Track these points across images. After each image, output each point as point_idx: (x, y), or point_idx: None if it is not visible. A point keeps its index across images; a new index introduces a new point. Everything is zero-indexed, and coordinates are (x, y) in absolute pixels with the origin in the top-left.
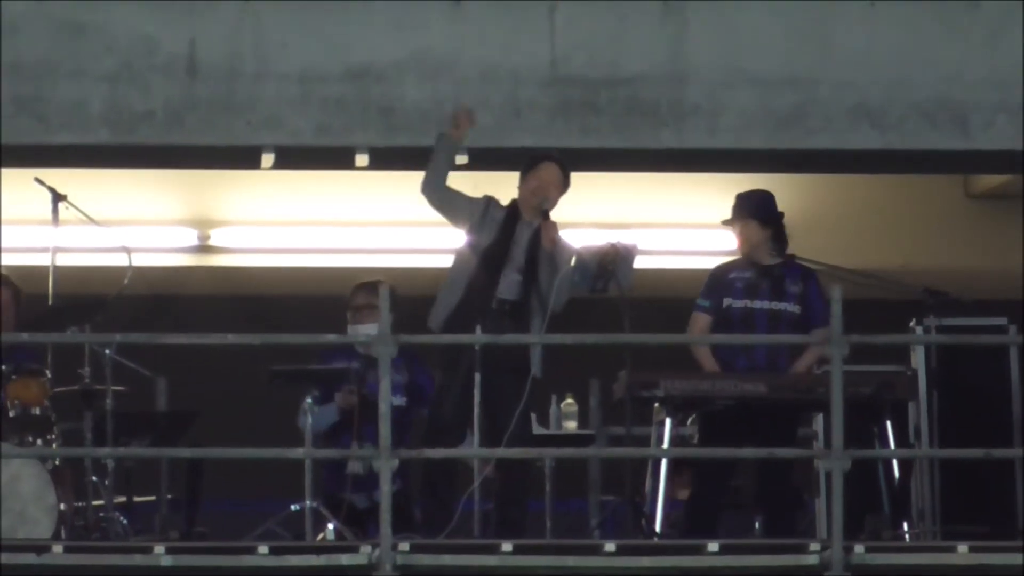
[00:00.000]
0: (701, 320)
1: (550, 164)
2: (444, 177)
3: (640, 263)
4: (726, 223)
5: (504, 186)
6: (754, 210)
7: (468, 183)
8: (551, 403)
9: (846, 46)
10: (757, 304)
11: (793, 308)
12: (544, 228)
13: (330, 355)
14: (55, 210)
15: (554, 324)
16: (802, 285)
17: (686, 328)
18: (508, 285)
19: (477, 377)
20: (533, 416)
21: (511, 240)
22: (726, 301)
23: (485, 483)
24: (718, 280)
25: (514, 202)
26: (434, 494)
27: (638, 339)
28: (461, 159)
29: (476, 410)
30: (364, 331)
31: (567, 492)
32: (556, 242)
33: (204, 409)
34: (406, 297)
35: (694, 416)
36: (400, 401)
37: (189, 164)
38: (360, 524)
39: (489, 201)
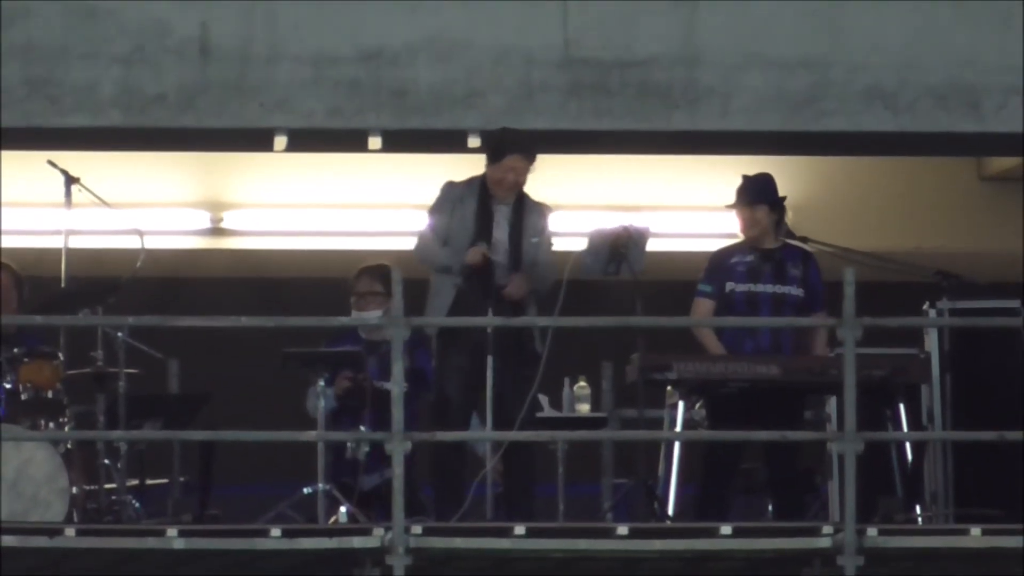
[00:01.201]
0: (704, 305)
1: (518, 157)
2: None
3: (652, 246)
4: (732, 207)
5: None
6: (765, 194)
7: (474, 167)
8: (563, 386)
9: (859, 28)
10: (761, 288)
11: (796, 291)
12: (512, 283)
13: (336, 340)
14: (68, 192)
15: (566, 307)
16: (803, 268)
17: (690, 314)
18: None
19: (490, 360)
20: (546, 399)
21: (491, 224)
22: (729, 285)
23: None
24: (719, 265)
25: (481, 182)
26: (444, 478)
27: (650, 322)
28: (473, 142)
29: (488, 394)
30: (368, 317)
31: (579, 475)
32: (521, 295)
33: (216, 392)
34: (416, 280)
35: (701, 401)
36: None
37: (201, 147)
38: (363, 507)
39: (450, 188)
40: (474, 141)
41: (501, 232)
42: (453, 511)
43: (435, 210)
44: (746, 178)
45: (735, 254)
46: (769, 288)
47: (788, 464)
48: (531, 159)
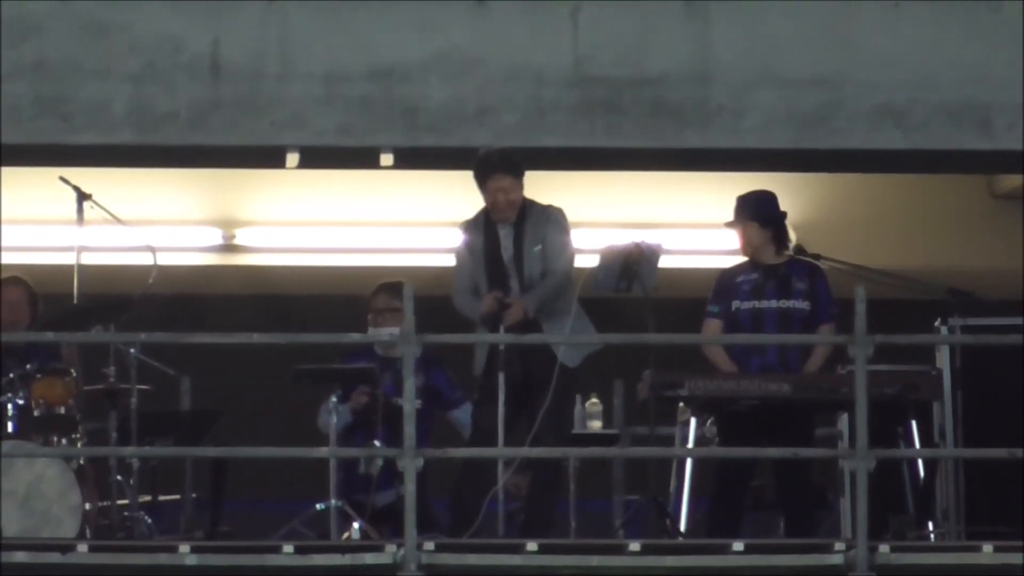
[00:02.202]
0: (712, 326)
1: (499, 177)
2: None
3: (664, 263)
4: (729, 225)
5: (527, 186)
6: (753, 212)
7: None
8: (576, 403)
9: (871, 46)
10: (764, 304)
11: (802, 305)
12: (509, 314)
13: (351, 356)
14: (80, 209)
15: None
16: (808, 282)
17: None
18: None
19: (500, 377)
20: None
21: (499, 251)
22: (734, 304)
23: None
24: (725, 284)
25: (485, 211)
26: (463, 497)
27: (662, 339)
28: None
29: (500, 409)
30: (381, 333)
31: (591, 492)
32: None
33: (228, 408)
34: (430, 297)
35: (712, 418)
36: (416, 404)
37: (213, 164)
38: (377, 524)
39: (464, 229)
40: None
41: (507, 254)
42: (467, 525)
43: (458, 256)
44: (739, 197)
45: (740, 273)
46: (773, 304)
47: (799, 481)
48: (516, 174)
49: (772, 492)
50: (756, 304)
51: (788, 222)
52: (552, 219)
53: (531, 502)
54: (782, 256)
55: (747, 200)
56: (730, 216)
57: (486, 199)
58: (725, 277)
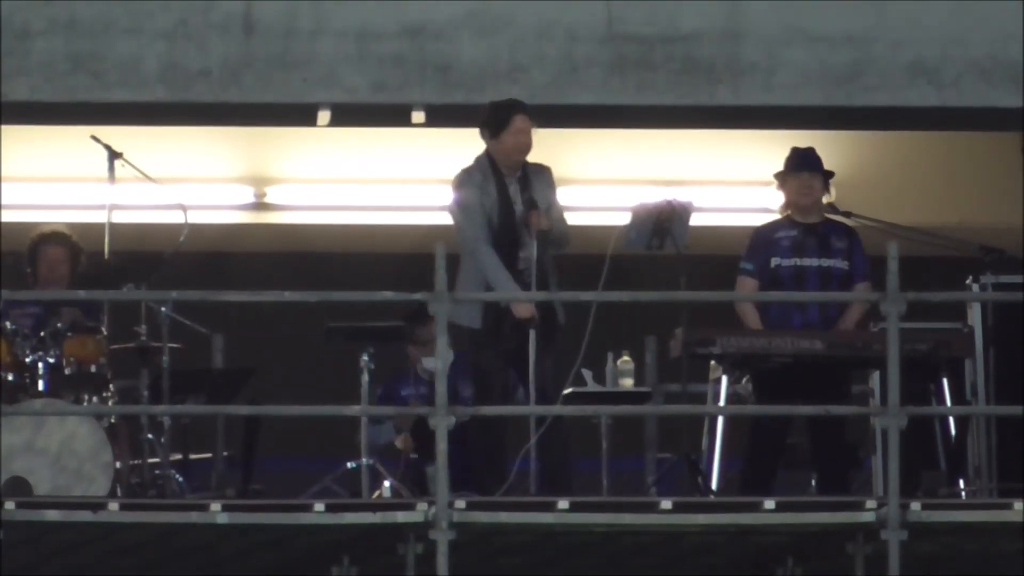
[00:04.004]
0: (747, 284)
1: (523, 116)
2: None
3: (696, 220)
4: (784, 175)
5: (559, 144)
6: (820, 164)
7: None
8: (607, 360)
9: (902, 3)
10: (807, 262)
11: (842, 264)
12: (532, 218)
13: (396, 383)
14: (111, 168)
15: (609, 282)
16: (847, 241)
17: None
18: (526, 253)
19: (532, 335)
20: (590, 374)
21: (510, 203)
22: (774, 261)
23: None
24: (763, 240)
25: (488, 160)
26: (487, 454)
27: (694, 296)
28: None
29: (532, 369)
30: (429, 364)
31: (623, 449)
32: (548, 225)
33: (260, 366)
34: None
35: (747, 376)
36: None
37: (245, 122)
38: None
39: (468, 175)
40: None
41: (519, 208)
42: (497, 486)
43: (472, 206)
44: (798, 148)
45: (779, 229)
46: (815, 262)
47: (834, 438)
48: (532, 117)
49: (805, 450)
50: (798, 261)
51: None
52: (551, 180)
53: (550, 460)
54: (820, 215)
55: (811, 152)
56: (763, 173)
57: (505, 143)
58: (762, 233)
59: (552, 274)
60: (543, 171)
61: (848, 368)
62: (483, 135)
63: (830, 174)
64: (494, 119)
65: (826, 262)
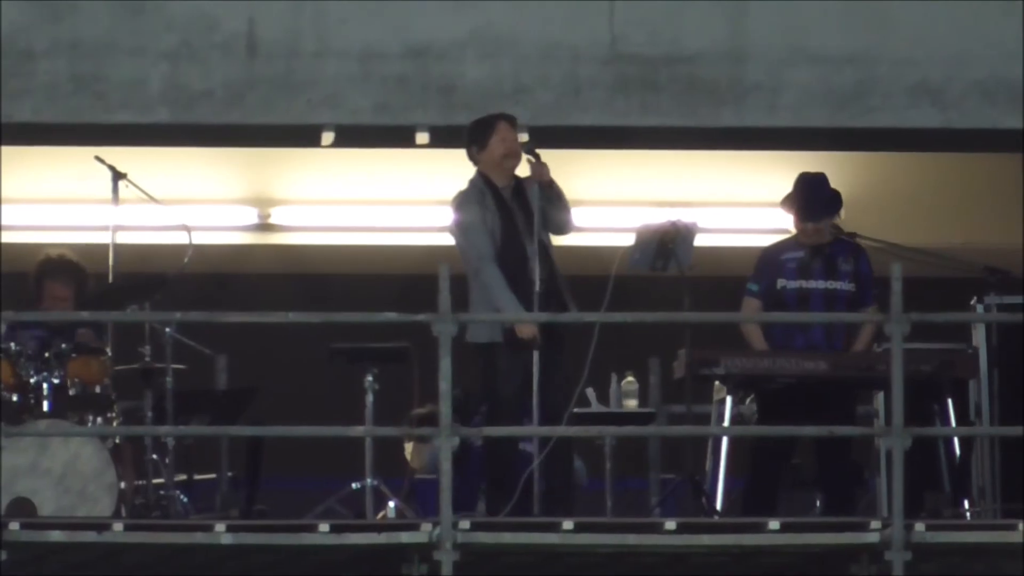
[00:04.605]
0: (751, 305)
1: (505, 123)
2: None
3: (700, 241)
4: (792, 212)
5: (562, 165)
6: (835, 207)
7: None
8: (611, 381)
9: (906, 23)
10: (811, 284)
11: (847, 287)
12: (534, 170)
13: None
14: (115, 188)
15: (613, 303)
16: (853, 262)
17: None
18: (534, 269)
19: (536, 355)
20: (593, 394)
21: (513, 216)
22: (780, 282)
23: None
24: (769, 262)
25: (482, 179)
26: (499, 475)
27: (698, 317)
28: (521, 138)
29: (535, 388)
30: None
31: (627, 470)
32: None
33: (264, 387)
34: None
35: (751, 396)
36: None
37: (249, 143)
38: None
39: (466, 196)
40: (522, 137)
41: (520, 221)
42: (505, 504)
43: (475, 226)
44: (810, 183)
45: (785, 250)
46: (820, 284)
47: (839, 459)
48: (514, 123)
49: (809, 470)
50: (803, 284)
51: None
52: (534, 182)
53: (551, 480)
54: (828, 236)
55: (824, 193)
56: (767, 194)
57: (495, 151)
58: (769, 254)
59: (566, 290)
60: (532, 182)
61: (853, 389)
62: (471, 155)
63: (838, 198)
64: (478, 132)
65: (832, 284)
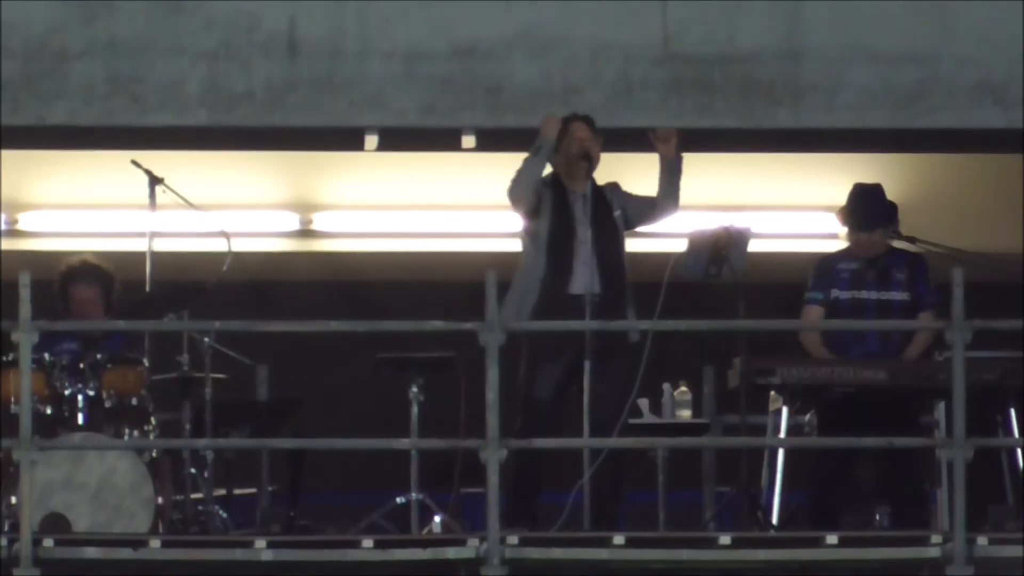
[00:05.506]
0: (814, 312)
1: (577, 123)
2: (533, 186)
3: (754, 246)
4: (848, 224)
5: (615, 168)
6: (889, 216)
7: None
8: (664, 391)
9: (967, 21)
10: (864, 294)
11: (902, 296)
12: (661, 137)
13: None
14: (152, 194)
15: (666, 310)
16: (908, 271)
17: (800, 317)
18: (583, 278)
19: (587, 365)
20: (646, 404)
21: (572, 222)
22: (834, 292)
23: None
24: (825, 271)
25: (555, 178)
26: (520, 486)
27: (753, 325)
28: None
29: (586, 399)
30: None
31: (681, 483)
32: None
33: (306, 398)
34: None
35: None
36: None
37: (290, 146)
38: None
39: (543, 185)
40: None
41: (583, 229)
42: (525, 520)
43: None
44: (865, 194)
45: (840, 260)
46: (874, 295)
47: (904, 471)
48: (591, 124)
49: (868, 483)
50: (856, 294)
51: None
52: (620, 189)
53: (599, 491)
54: (883, 246)
55: (879, 204)
56: (825, 198)
57: (566, 152)
58: (826, 263)
59: (630, 305)
60: (615, 187)
61: (913, 398)
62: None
63: (894, 210)
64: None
65: (885, 295)
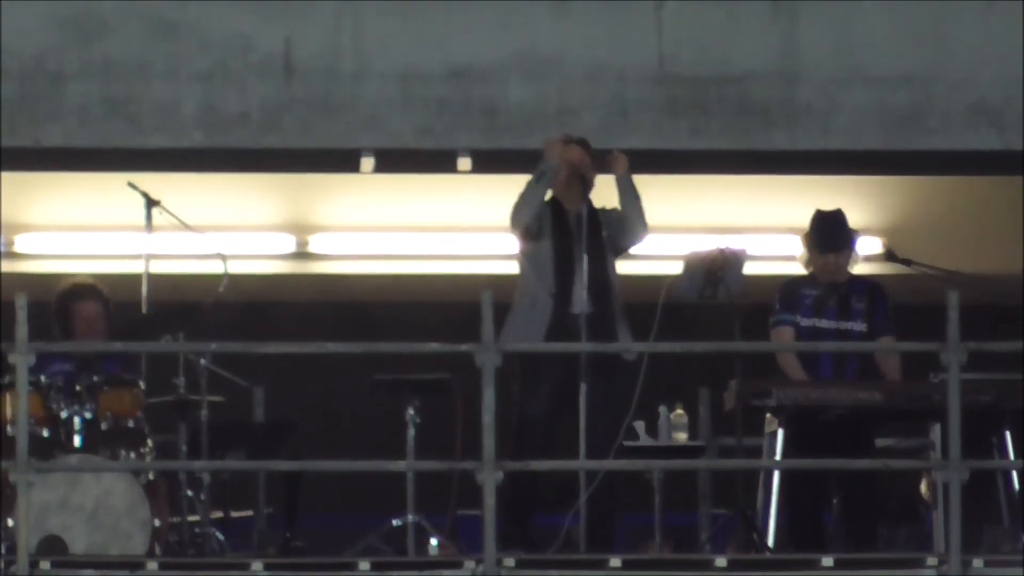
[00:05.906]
0: (787, 334)
1: (571, 146)
2: (536, 210)
3: (750, 268)
4: (810, 247)
5: (608, 189)
6: (847, 243)
7: None
8: (660, 414)
9: (963, 43)
10: (824, 323)
11: (860, 327)
12: (612, 162)
13: None
14: (148, 215)
15: (661, 332)
16: (867, 300)
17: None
18: (579, 297)
19: (583, 387)
20: (642, 426)
21: (571, 241)
22: (796, 318)
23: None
24: (791, 295)
25: (552, 201)
26: (513, 506)
27: (749, 347)
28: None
29: (582, 422)
30: None
31: (677, 505)
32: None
33: (303, 420)
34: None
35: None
36: None
37: (286, 168)
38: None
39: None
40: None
41: (579, 248)
42: (521, 542)
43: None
44: (825, 219)
45: (803, 286)
46: (832, 324)
47: (862, 491)
48: (586, 146)
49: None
50: (816, 322)
51: (877, 227)
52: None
53: (594, 512)
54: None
55: (841, 226)
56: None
57: (560, 173)
58: (790, 288)
59: (622, 324)
60: (603, 208)
61: (909, 419)
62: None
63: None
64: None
65: (844, 324)
